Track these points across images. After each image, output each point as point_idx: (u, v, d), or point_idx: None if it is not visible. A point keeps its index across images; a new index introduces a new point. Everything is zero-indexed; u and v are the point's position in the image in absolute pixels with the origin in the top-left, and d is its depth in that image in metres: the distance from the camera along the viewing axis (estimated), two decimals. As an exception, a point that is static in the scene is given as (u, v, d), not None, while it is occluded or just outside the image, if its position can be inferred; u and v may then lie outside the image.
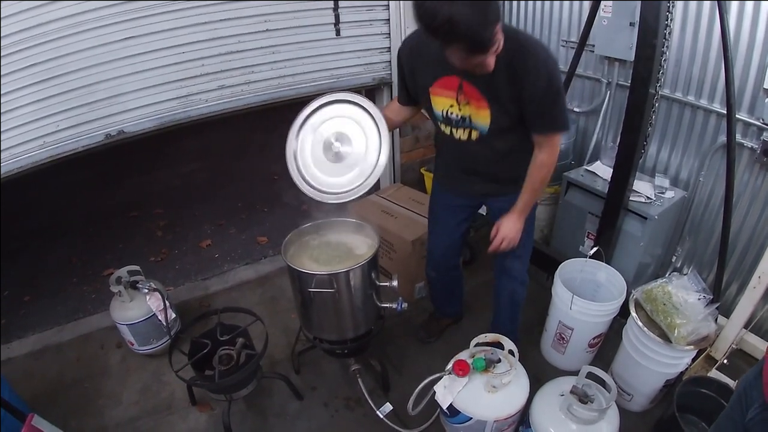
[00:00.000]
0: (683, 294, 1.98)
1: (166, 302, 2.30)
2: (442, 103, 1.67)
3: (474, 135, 1.69)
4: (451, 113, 1.68)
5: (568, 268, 2.31)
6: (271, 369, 2.37)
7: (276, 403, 2.22)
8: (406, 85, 1.80)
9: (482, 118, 1.62)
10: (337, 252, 1.99)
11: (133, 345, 2.42)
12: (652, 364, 1.97)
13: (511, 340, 1.88)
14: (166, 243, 3.53)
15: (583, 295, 2.16)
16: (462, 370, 1.77)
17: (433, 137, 1.79)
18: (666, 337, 1.90)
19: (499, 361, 1.84)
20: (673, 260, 2.69)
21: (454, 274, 2.37)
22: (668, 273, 2.38)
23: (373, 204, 2.87)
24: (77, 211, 3.95)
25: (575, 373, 1.80)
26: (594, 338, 2.25)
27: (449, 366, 1.82)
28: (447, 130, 1.75)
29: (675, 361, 1.95)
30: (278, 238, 3.65)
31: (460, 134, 1.72)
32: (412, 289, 2.77)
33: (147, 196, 4.18)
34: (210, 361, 1.97)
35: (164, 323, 2.25)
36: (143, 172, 4.55)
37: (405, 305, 1.97)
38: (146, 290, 2.31)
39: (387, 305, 1.97)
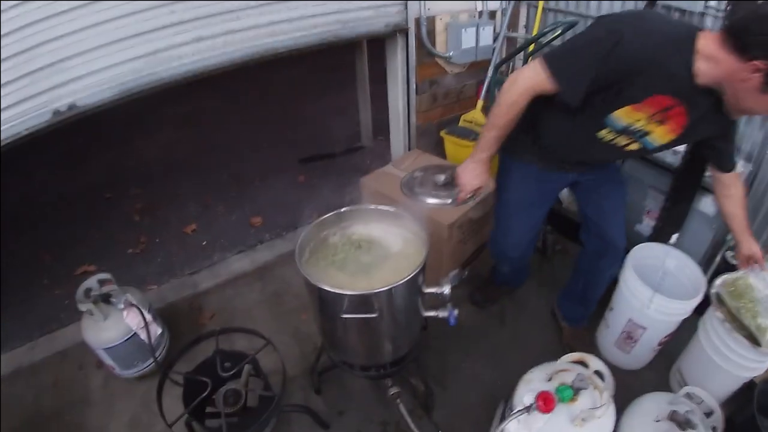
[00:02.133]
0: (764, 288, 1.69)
1: (147, 318, 1.85)
2: (633, 117, 1.34)
3: (635, 146, 1.45)
4: (634, 126, 1.37)
5: (640, 254, 1.91)
6: (285, 391, 1.95)
7: (296, 435, 1.83)
8: (585, 86, 1.27)
9: (662, 138, 1.39)
10: (370, 255, 1.55)
11: (114, 369, 1.98)
12: (734, 367, 1.73)
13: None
14: (144, 229, 3.03)
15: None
16: (547, 404, 1.38)
17: (532, 118, 1.42)
18: (754, 340, 1.63)
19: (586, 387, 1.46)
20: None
21: (528, 256, 2.10)
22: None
23: (390, 179, 2.40)
24: (46, 196, 3.42)
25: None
26: (666, 336, 1.92)
27: (527, 399, 1.42)
28: (606, 135, 1.43)
29: (760, 364, 1.69)
30: (275, 216, 3.19)
31: (619, 141, 1.44)
32: (444, 278, 2.34)
33: (122, 174, 3.65)
34: (211, 399, 1.55)
35: (148, 343, 1.80)
36: (118, 144, 4.01)
37: (456, 313, 1.55)
38: (121, 306, 1.84)
39: (434, 314, 1.54)
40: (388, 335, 1.47)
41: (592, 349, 2.13)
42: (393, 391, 1.71)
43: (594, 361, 1.51)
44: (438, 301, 1.54)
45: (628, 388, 1.75)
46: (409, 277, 1.33)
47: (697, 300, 1.77)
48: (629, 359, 2.05)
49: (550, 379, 1.48)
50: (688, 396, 1.57)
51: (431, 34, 2.56)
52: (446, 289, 1.50)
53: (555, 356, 2.05)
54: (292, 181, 3.44)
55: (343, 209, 1.66)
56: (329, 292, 1.31)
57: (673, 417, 1.44)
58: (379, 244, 1.61)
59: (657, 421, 1.47)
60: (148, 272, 2.66)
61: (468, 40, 2.61)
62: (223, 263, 2.70)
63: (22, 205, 3.32)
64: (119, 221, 3.12)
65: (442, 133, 2.75)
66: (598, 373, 1.49)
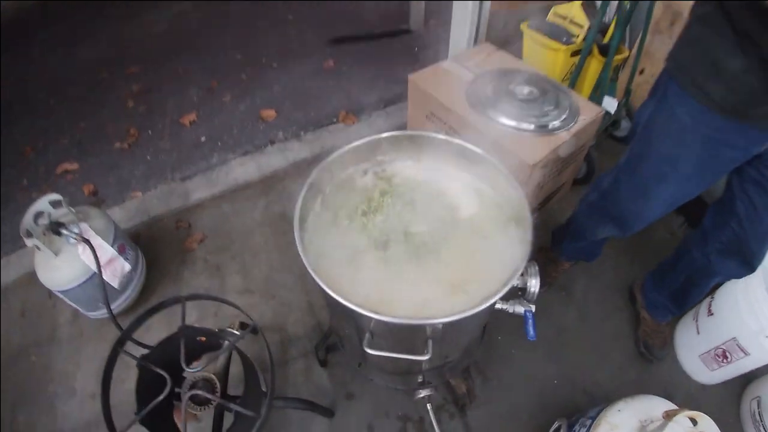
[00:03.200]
0: None
1: (109, 254, 1.39)
2: None
3: None
4: None
5: None
6: (282, 356, 1.53)
7: (294, 426, 1.42)
8: None
9: None
10: (425, 218, 1.00)
11: (79, 311, 1.57)
12: None
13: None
14: (137, 118, 2.49)
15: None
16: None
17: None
18: None
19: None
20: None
21: None
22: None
23: (451, 80, 1.74)
24: (42, 80, 2.85)
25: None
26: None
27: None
28: None
29: None
30: (292, 110, 2.52)
31: None
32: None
33: (123, 50, 3.01)
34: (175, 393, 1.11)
35: (103, 294, 1.34)
36: (124, 18, 3.30)
37: (533, 308, 1.00)
38: (73, 240, 1.37)
39: (504, 308, 0.99)
40: (434, 355, 0.95)
41: (670, 350, 1.64)
42: (424, 393, 1.25)
43: (707, 424, 0.99)
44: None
45: (693, 400, 1.53)
46: (499, 297, 0.78)
47: None
48: (707, 375, 1.56)
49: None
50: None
51: None
52: (533, 284, 0.94)
53: (627, 351, 1.62)
54: (317, 66, 2.76)
55: (384, 134, 1.07)
56: (358, 312, 0.76)
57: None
58: (439, 199, 1.04)
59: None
60: (134, 174, 2.18)
61: None
62: (222, 167, 2.18)
63: (18, 90, 2.78)
64: (111, 107, 2.58)
65: (523, 26, 1.99)
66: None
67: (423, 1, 2.88)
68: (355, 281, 0.87)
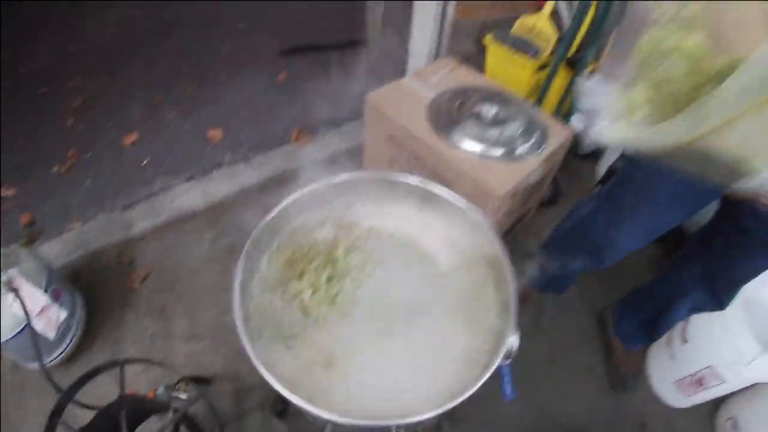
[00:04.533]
0: None
1: (31, 306, 1.23)
2: None
3: None
4: None
5: (758, 293, 1.29)
6: (238, 409, 1.39)
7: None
8: None
9: None
10: (398, 277, 0.90)
11: (18, 361, 1.41)
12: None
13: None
14: (77, 138, 2.26)
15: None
16: None
17: None
18: None
19: None
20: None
21: None
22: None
23: (410, 100, 1.62)
24: None
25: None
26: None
27: None
28: None
29: None
30: (241, 129, 2.33)
31: None
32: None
33: (65, 59, 2.74)
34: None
35: (34, 349, 1.18)
36: (67, 24, 3.01)
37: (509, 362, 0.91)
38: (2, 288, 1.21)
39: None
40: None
41: (642, 377, 1.61)
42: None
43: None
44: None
45: (668, 425, 1.53)
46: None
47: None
48: (681, 400, 1.54)
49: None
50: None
51: None
52: (513, 341, 0.85)
53: (600, 381, 1.58)
54: (269, 79, 2.60)
55: (338, 179, 0.95)
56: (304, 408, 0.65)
57: None
58: (411, 256, 0.93)
59: None
60: (73, 201, 1.97)
61: None
62: (166, 194, 2.00)
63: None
64: (51, 125, 2.32)
65: (487, 40, 1.90)
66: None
67: (381, 8, 2.76)
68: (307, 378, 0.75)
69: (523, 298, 1.63)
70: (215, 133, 2.26)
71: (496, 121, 1.52)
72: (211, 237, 1.86)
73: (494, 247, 0.87)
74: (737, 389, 1.39)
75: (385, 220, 0.99)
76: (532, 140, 1.49)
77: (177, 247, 1.82)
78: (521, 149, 1.46)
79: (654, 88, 0.59)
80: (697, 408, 1.53)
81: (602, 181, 1.89)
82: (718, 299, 1.23)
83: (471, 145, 1.45)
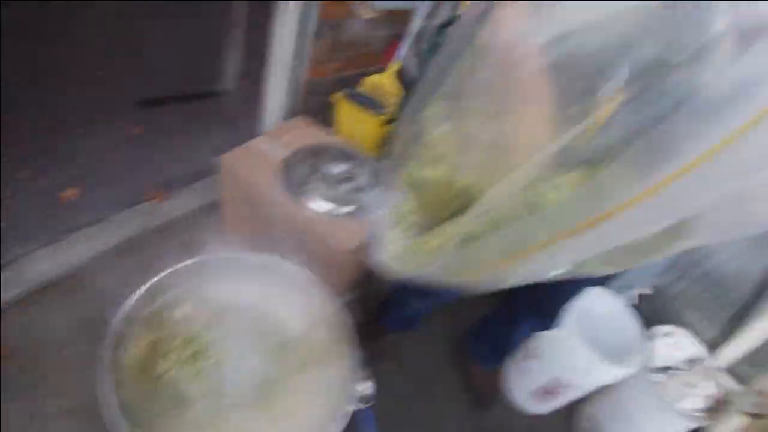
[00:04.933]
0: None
1: None
2: None
3: None
4: None
5: (587, 303, 1.54)
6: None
7: None
8: None
9: None
10: (255, 358, 0.95)
11: None
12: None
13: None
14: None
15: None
16: None
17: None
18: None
19: None
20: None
21: None
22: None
23: (263, 161, 1.69)
24: None
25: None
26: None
27: None
28: None
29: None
30: (97, 187, 2.21)
31: None
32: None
33: None
34: None
35: None
36: None
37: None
38: None
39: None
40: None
41: (501, 392, 1.84)
42: None
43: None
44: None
45: (531, 429, 1.75)
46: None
47: (642, 361, 1.46)
48: (539, 407, 1.78)
49: None
50: None
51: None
52: (366, 387, 0.95)
53: (465, 403, 1.77)
54: (125, 133, 2.50)
55: (192, 261, 1.00)
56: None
57: None
58: (263, 321, 1.00)
59: None
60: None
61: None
62: (23, 261, 1.84)
63: None
64: None
65: (337, 98, 2.04)
66: None
67: (239, 59, 2.81)
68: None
69: (383, 339, 1.76)
70: (71, 193, 2.13)
71: (345, 179, 1.64)
72: (73, 306, 1.74)
73: (335, 305, 0.97)
74: (588, 392, 1.63)
75: (239, 294, 1.06)
76: (379, 195, 1.63)
77: (39, 319, 1.68)
78: (369, 205, 1.60)
79: (416, 205, 0.74)
80: (557, 412, 1.76)
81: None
82: (547, 321, 1.46)
83: (320, 205, 1.55)
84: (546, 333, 1.58)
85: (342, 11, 1.95)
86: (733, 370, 1.68)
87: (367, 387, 0.97)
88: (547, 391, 1.66)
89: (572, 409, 1.80)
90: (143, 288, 0.95)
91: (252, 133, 1.83)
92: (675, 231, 0.59)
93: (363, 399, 0.96)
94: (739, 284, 1.79)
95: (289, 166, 1.67)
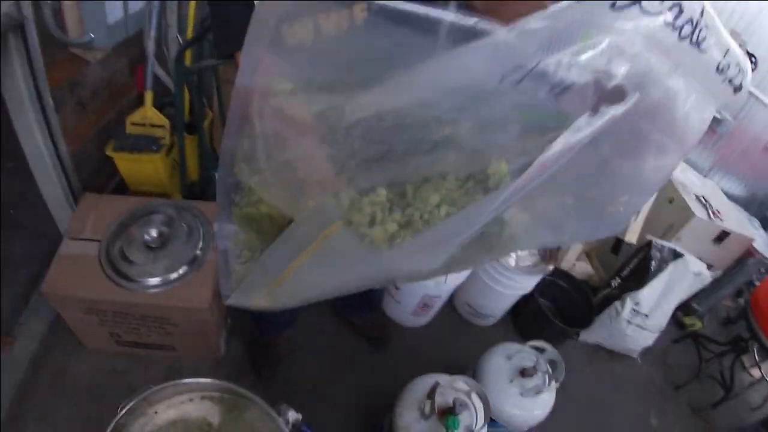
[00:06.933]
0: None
1: None
2: None
3: None
4: None
5: None
6: None
7: None
8: None
9: None
10: None
11: None
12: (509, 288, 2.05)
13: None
14: None
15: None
16: None
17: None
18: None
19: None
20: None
21: None
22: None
23: (84, 263, 1.59)
24: None
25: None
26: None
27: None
28: None
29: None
30: None
31: None
32: (217, 346, 1.86)
33: None
34: None
35: None
36: None
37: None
38: None
39: None
40: None
41: (388, 323, 2.19)
42: None
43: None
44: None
45: (423, 332, 2.22)
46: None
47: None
48: (423, 320, 2.19)
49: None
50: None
51: (58, 14, 1.55)
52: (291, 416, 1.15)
53: (370, 353, 2.08)
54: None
55: None
56: None
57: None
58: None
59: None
60: None
61: (114, 8, 1.73)
62: None
63: None
64: None
65: (108, 152, 1.90)
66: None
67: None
68: None
69: (274, 350, 1.90)
70: None
71: (164, 240, 1.63)
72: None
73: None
74: (453, 289, 1.98)
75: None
76: (203, 240, 1.66)
77: None
78: (199, 254, 1.63)
79: (253, 234, 0.86)
80: (436, 317, 2.17)
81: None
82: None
83: (151, 280, 1.54)
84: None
85: (72, 66, 1.76)
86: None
87: (292, 414, 1.13)
88: (422, 306, 2.03)
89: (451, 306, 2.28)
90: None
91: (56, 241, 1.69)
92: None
93: (296, 425, 1.13)
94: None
95: (106, 255, 1.59)
